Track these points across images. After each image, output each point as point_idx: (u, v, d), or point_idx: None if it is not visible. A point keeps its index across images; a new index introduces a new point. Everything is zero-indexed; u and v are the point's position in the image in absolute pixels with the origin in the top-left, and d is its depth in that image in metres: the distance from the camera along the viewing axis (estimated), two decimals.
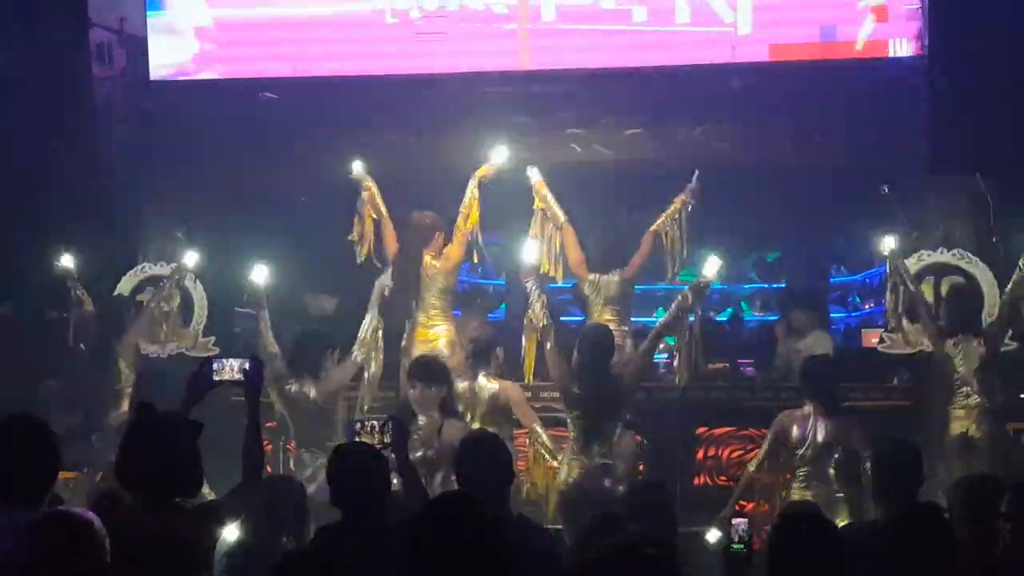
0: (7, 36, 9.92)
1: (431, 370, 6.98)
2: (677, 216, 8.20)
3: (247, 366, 4.24)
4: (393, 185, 8.67)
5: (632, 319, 8.66)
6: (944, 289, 8.53)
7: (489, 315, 10.44)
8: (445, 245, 8.24)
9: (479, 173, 8.24)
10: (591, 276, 8.35)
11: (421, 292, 8.15)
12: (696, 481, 8.45)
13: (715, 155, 9.76)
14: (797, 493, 6.98)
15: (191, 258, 8.86)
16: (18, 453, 3.92)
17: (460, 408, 7.36)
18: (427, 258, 8.20)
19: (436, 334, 8.15)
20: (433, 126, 10.15)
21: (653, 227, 8.29)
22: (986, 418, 7.57)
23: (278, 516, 4.62)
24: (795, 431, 7.03)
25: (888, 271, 8.16)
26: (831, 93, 9.88)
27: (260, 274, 7.95)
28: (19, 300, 9.72)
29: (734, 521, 3.91)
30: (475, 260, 8.58)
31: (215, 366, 4.25)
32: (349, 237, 8.41)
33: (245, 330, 9.87)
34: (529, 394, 7.84)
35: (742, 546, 3.84)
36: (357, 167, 8.39)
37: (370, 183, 8.37)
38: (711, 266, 7.36)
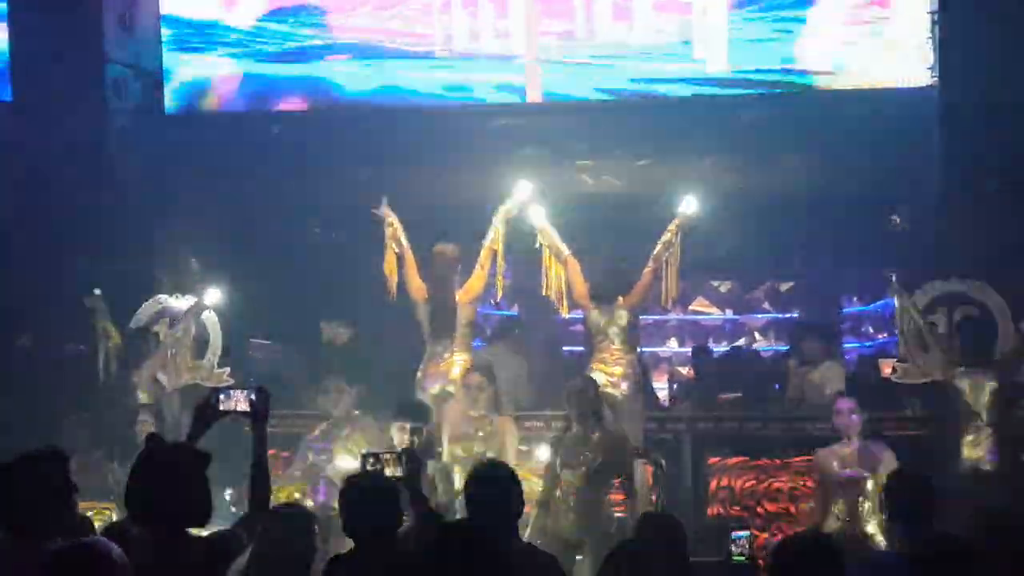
0: (26, 71, 10.05)
1: None
2: (673, 242, 8.13)
3: (253, 396, 4.26)
4: (404, 217, 8.72)
5: (640, 349, 8.64)
6: (957, 318, 8.50)
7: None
8: (463, 277, 8.26)
9: (504, 209, 8.23)
10: (595, 307, 8.35)
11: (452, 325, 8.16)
12: (709, 512, 8.43)
13: (726, 185, 9.78)
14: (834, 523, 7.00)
15: (212, 295, 8.84)
16: (34, 486, 3.97)
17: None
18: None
19: (451, 362, 8.16)
20: (444, 158, 10.21)
21: (653, 255, 8.23)
22: (999, 448, 7.54)
23: (287, 546, 4.62)
24: (834, 465, 7.07)
25: (897, 308, 8.12)
26: (843, 123, 9.90)
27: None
28: (38, 331, 9.80)
29: (735, 534, 3.91)
30: (498, 295, 8.55)
31: (222, 397, 4.28)
32: (386, 271, 8.40)
33: (260, 359, 9.94)
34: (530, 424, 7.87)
35: (743, 558, 3.85)
36: (382, 203, 8.40)
37: (393, 219, 8.37)
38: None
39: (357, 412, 7.92)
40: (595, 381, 7.41)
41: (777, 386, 9.87)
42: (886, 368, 9.17)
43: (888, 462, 7.04)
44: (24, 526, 3.95)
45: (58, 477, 4.05)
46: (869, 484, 6.96)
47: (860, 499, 6.99)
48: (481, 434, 7.46)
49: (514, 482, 4.61)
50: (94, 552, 3.40)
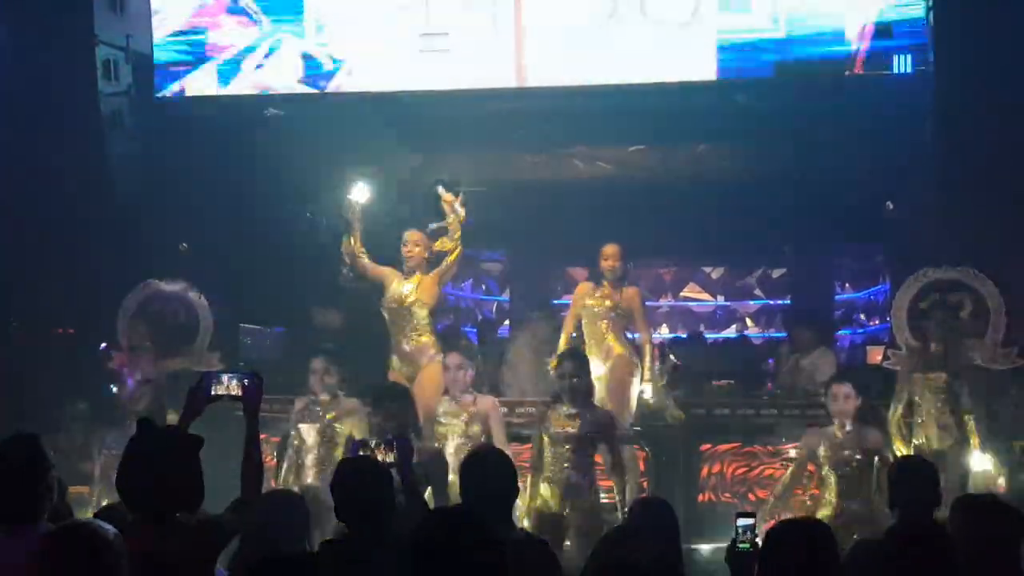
0: (16, 53, 9.99)
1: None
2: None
3: (246, 381, 4.24)
4: (394, 201, 8.68)
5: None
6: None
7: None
8: (432, 263, 8.19)
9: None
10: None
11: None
12: (700, 498, 8.43)
13: (718, 171, 9.77)
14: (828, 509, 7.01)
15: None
16: (10, 474, 3.95)
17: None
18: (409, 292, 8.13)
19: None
20: (436, 142, 10.17)
21: None
22: (987, 434, 7.58)
23: (279, 530, 4.61)
24: (822, 449, 7.06)
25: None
26: (835, 110, 9.88)
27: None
28: (25, 316, 9.77)
29: (739, 522, 3.88)
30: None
31: (214, 381, 4.25)
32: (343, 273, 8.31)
33: (251, 344, 9.93)
34: (505, 409, 7.84)
35: (747, 545, 3.83)
36: (355, 201, 8.26)
37: (356, 228, 8.20)
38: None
39: (341, 393, 7.89)
40: (585, 357, 7.37)
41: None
42: (877, 355, 9.18)
43: (880, 444, 7.07)
44: (10, 513, 3.93)
45: (31, 462, 4.01)
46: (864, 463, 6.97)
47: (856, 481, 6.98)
48: (465, 416, 7.43)
49: (508, 467, 4.61)
50: (90, 533, 3.37)
